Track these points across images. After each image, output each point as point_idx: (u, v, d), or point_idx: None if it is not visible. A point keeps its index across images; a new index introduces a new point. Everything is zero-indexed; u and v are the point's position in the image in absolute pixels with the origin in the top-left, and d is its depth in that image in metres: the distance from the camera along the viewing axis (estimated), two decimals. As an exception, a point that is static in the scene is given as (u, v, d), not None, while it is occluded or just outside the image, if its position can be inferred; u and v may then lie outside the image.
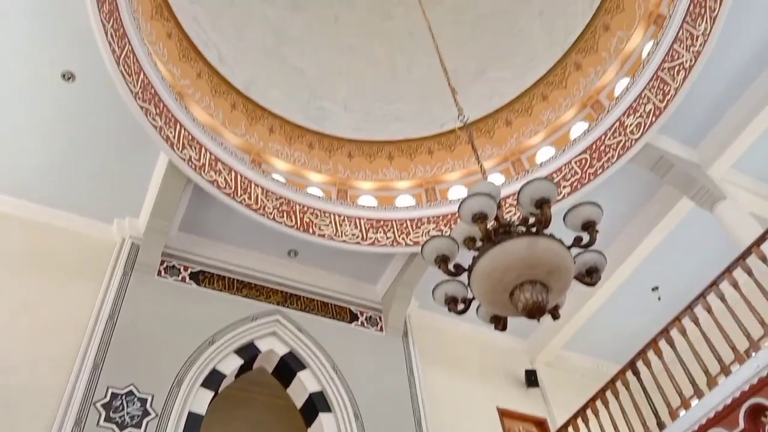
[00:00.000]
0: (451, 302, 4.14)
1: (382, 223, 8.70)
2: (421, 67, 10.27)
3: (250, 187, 7.99)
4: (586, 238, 3.96)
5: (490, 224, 3.98)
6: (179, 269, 7.70)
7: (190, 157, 7.35)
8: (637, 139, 7.77)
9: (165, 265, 7.63)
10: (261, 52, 9.93)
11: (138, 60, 6.82)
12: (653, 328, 6.79)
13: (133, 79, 6.69)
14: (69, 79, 6.58)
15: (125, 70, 6.57)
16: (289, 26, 10.15)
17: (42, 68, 6.49)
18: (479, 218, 3.86)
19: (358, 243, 8.41)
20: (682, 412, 5.92)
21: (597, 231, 3.93)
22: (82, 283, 7.02)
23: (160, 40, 8.51)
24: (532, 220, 4.01)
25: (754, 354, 5.36)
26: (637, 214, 8.44)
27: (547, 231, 3.90)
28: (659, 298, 9.06)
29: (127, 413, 5.96)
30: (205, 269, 7.88)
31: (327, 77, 10.45)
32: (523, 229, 3.94)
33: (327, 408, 7.16)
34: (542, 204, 3.84)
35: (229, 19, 9.57)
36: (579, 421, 7.11)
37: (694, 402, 5.84)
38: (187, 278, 7.68)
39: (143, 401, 6.14)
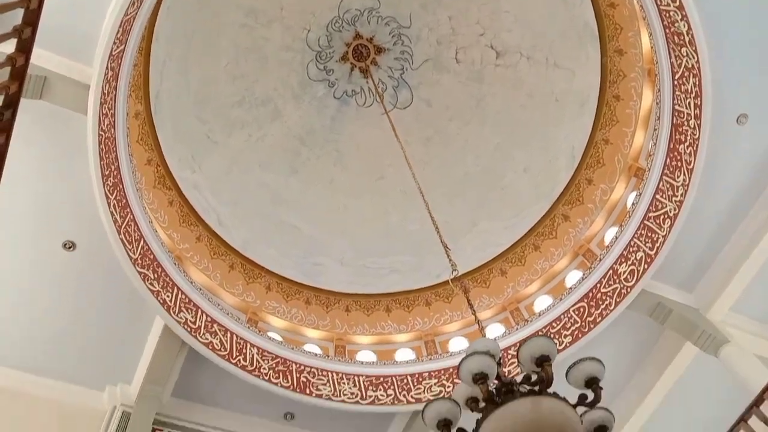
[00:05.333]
0: (458, 470, 3.93)
1: (381, 379, 8.46)
2: (414, 222, 10.59)
3: (246, 348, 7.87)
4: (590, 395, 3.86)
5: (492, 384, 3.89)
6: (170, 438, 7.37)
7: (186, 320, 7.32)
8: (632, 287, 7.83)
9: (156, 433, 7.31)
10: (258, 214, 10.29)
11: (139, 228, 7.03)
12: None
13: (133, 247, 6.85)
14: (70, 248, 6.75)
15: (126, 238, 6.75)
16: (285, 189, 10.63)
17: (44, 239, 6.69)
18: (479, 379, 3.77)
19: (357, 402, 8.13)
20: None
21: (601, 388, 3.83)
22: (67, 458, 6.66)
23: (162, 208, 8.84)
24: (534, 377, 3.92)
25: None
26: (643, 362, 8.28)
27: (550, 389, 3.80)
28: (676, 455, 8.59)
29: None
30: (197, 437, 7.54)
31: (322, 235, 10.73)
32: (526, 387, 3.85)
33: None
34: (543, 362, 3.78)
35: (228, 185, 10.04)
36: None
37: None
38: (178, 449, 7.32)
39: None
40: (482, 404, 3.90)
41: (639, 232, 7.96)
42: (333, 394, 8.11)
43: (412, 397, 8.28)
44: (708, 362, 7.71)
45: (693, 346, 7.78)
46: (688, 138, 7.37)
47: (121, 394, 7.45)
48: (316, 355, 8.75)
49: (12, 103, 4.48)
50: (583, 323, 8.10)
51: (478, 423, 3.74)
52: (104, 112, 6.31)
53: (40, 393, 7.25)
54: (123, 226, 6.76)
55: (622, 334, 7.96)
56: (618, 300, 7.88)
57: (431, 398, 3.95)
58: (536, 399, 3.64)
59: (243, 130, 10.34)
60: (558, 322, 8.28)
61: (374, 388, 8.35)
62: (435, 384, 8.37)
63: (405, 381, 8.50)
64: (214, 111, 10.01)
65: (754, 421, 5.79)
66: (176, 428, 7.50)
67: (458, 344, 9.71)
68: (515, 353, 7.70)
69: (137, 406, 7.23)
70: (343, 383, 8.30)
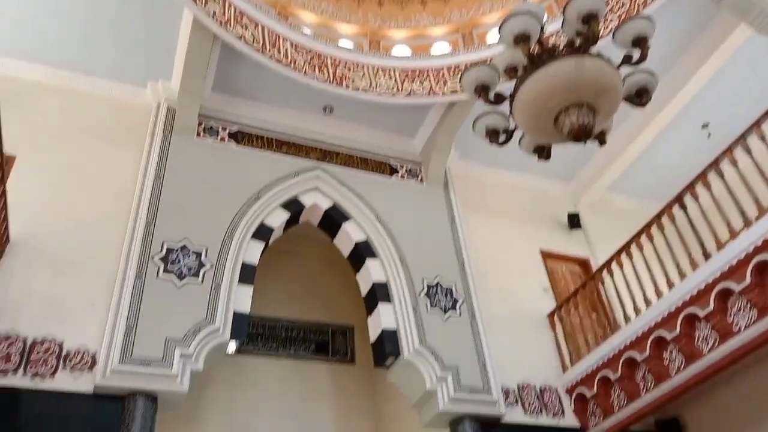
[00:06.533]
0: (492, 134, 4.05)
1: (417, 72, 8.40)
2: None
3: (279, 42, 7.73)
4: (636, 55, 3.72)
5: (533, 48, 3.76)
6: (217, 130, 7.71)
7: (214, 12, 7.07)
8: (692, -40, 7.09)
9: (203, 126, 7.64)
10: None
11: None
12: (701, 168, 6.48)
13: (146, -72, 6.31)
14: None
15: None
16: None
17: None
18: (522, 40, 3.64)
19: (393, 95, 8.19)
20: (730, 243, 5.75)
21: (649, 47, 3.68)
22: (124, 147, 7.12)
23: None
24: (578, 42, 3.76)
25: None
26: (691, 45, 7.90)
27: (593, 51, 3.67)
28: (709, 136, 8.67)
29: (185, 265, 6.26)
30: (242, 129, 7.87)
31: None
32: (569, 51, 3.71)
33: (373, 254, 7.39)
34: (590, 19, 3.59)
35: None
36: (623, 257, 7.13)
37: (744, 233, 5.68)
38: (227, 138, 7.70)
39: (198, 254, 6.40)
40: (521, 72, 3.83)
41: None
42: (369, 87, 8.15)
43: (447, 89, 8.27)
44: (761, 45, 7.32)
45: (748, 27, 7.29)
46: None
47: (163, 89, 7.63)
48: (350, 50, 8.58)
49: None
50: (632, 6, 7.56)
51: (517, 85, 3.71)
52: None
53: (87, 89, 7.49)
54: None
55: (673, 17, 7.44)
56: (675, -22, 7.21)
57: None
58: (579, 58, 3.54)
59: None
60: (605, 6, 7.73)
61: (410, 81, 8.34)
62: (472, 74, 8.28)
63: (441, 73, 8.43)
64: None
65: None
66: (221, 121, 7.79)
67: (497, 35, 9.35)
68: (557, 41, 7.39)
69: (181, 100, 7.41)
70: (379, 76, 8.28)
